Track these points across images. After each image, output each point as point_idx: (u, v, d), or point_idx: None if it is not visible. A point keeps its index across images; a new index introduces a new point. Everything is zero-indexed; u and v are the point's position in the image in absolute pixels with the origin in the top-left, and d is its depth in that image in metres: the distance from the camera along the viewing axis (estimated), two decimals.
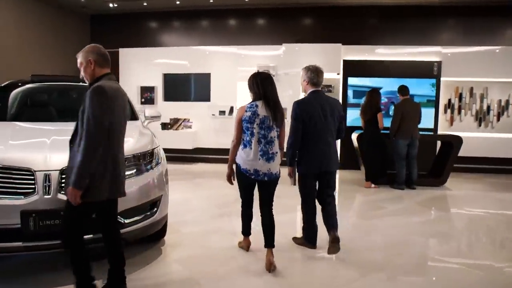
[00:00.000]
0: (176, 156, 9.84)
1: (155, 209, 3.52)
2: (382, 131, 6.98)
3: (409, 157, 6.87)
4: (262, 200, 3.60)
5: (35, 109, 4.54)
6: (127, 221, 3.25)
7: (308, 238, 4.00)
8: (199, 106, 9.77)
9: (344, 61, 8.96)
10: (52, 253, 3.21)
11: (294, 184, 3.98)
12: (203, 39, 9.87)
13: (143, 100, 10.02)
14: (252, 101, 3.48)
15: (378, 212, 5.57)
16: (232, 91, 9.42)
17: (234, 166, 3.62)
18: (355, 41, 9.01)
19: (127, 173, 3.28)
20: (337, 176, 8.24)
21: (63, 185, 2.99)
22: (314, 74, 3.86)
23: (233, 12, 9.81)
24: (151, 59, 9.91)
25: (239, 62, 9.50)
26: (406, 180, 6.93)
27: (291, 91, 9.18)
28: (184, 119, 9.75)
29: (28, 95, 4.71)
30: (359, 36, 9.13)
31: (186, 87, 10.25)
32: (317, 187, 4.02)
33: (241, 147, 3.48)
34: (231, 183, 3.69)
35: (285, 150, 3.77)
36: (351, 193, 6.81)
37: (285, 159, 3.84)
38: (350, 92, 8.93)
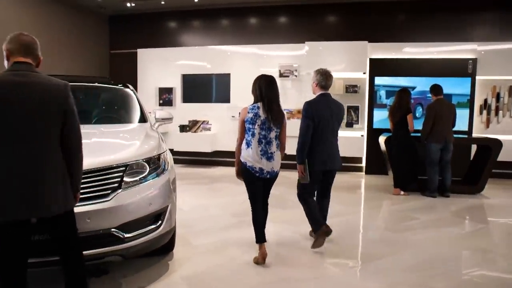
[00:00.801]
0: (194, 159, 9.56)
1: (160, 221, 3.18)
2: (412, 134, 6.48)
3: (442, 162, 6.33)
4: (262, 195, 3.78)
5: None
6: (127, 235, 2.91)
7: (317, 227, 4.00)
8: (219, 107, 9.45)
9: (371, 59, 8.46)
10: None
11: (308, 181, 4.04)
12: (222, 39, 9.53)
13: (161, 101, 9.78)
14: (254, 103, 3.63)
15: (409, 223, 5.07)
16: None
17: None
18: (382, 39, 8.49)
19: (128, 180, 2.96)
20: (362, 181, 7.87)
21: None
22: (323, 77, 4.09)
23: (254, 10, 9.44)
24: (169, 59, 9.66)
25: (260, 62, 9.14)
26: (438, 187, 6.39)
27: (311, 93, 8.73)
28: (203, 121, 9.46)
29: None
30: (386, 33, 8.60)
31: (205, 88, 9.96)
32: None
33: (244, 146, 3.63)
34: (241, 179, 3.77)
35: (285, 149, 3.86)
36: (378, 201, 6.31)
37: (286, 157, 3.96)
38: (379, 93, 8.42)
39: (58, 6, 8.71)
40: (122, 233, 2.88)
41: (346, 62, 8.46)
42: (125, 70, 10.12)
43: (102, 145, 3.18)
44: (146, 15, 9.98)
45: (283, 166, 4.02)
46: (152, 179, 3.18)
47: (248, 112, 3.59)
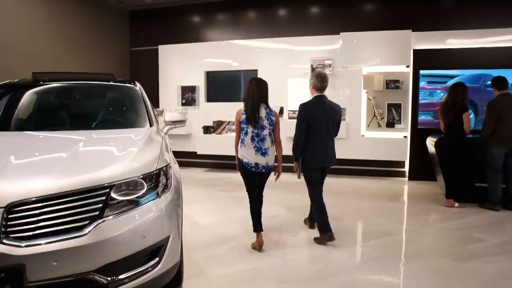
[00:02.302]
0: (218, 162, 8.87)
1: (158, 258, 2.44)
2: (468, 136, 5.52)
3: (507, 170, 5.34)
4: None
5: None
6: (112, 279, 2.20)
7: (324, 230, 4.14)
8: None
9: (415, 51, 7.49)
10: None
11: (299, 178, 4.40)
12: (249, 32, 8.78)
13: (183, 101, 9.14)
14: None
15: (472, 247, 4.13)
16: (282, 89, 8.27)
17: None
18: (428, 27, 7.50)
19: (114, 205, 2.26)
20: (405, 188, 6.92)
21: (11, 229, 2.02)
22: (318, 79, 4.26)
23: (283, 1, 8.63)
24: (192, 55, 9.00)
25: (290, 56, 8.33)
26: (502, 198, 5.41)
27: (349, 90, 7.86)
28: (229, 122, 8.73)
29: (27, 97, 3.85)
30: (433, 20, 7.58)
31: (231, 86, 9.25)
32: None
33: (239, 144, 3.98)
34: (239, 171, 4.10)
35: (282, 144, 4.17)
36: (427, 214, 5.39)
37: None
38: (423, 87, 7.45)
39: (76, 2, 8.20)
40: (104, 278, 2.17)
41: (387, 54, 7.53)
42: (146, 68, 9.56)
43: (80, 159, 2.48)
44: (168, 9, 9.36)
45: None
46: (149, 201, 2.45)
47: (242, 114, 3.95)
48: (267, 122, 3.91)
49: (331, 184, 7.35)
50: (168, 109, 9.15)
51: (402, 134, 7.60)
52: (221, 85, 9.24)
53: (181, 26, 9.35)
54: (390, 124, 7.73)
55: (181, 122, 3.99)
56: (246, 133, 3.91)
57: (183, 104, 9.12)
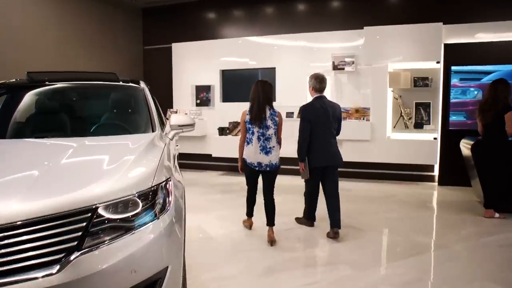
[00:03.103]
0: (235, 166, 8.40)
1: None
2: (510, 138, 4.96)
3: None
4: (265, 187, 4.26)
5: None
6: None
7: (308, 214, 4.61)
8: None
9: (446, 45, 6.91)
10: None
11: (308, 177, 4.42)
12: (266, 28, 8.33)
13: (198, 101, 8.75)
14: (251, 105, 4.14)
15: None
16: (302, 88, 7.78)
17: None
18: (461, 19, 6.90)
19: (98, 232, 1.86)
20: (435, 194, 6.38)
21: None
22: (316, 81, 4.38)
23: None
24: (207, 53, 8.60)
25: (309, 53, 7.85)
26: None
27: (373, 89, 7.34)
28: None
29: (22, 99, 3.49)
30: (466, 11, 6.98)
31: (248, 85, 8.74)
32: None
33: (245, 144, 4.16)
34: (242, 172, 4.36)
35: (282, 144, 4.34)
36: (462, 226, 4.83)
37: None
38: (454, 84, 6.86)
39: (88, 0, 7.90)
40: None
41: (415, 49, 6.97)
42: (159, 67, 9.22)
43: (58, 176, 2.07)
44: (182, 6, 8.99)
45: None
46: (143, 226, 2.03)
47: (247, 114, 4.14)
48: (271, 122, 4.11)
49: (355, 189, 6.87)
50: (182, 110, 8.81)
51: (431, 135, 7.03)
52: (237, 84, 8.82)
53: (196, 23, 8.96)
54: (418, 125, 7.17)
55: (189, 126, 3.56)
56: (252, 133, 4.11)
57: (197, 105, 8.74)
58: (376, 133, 7.24)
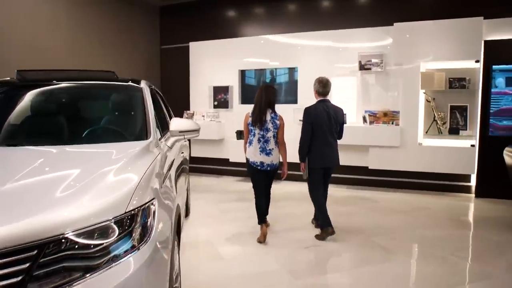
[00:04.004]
0: None
1: None
2: None
3: None
4: (264, 184, 4.48)
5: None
6: None
7: (324, 224, 4.41)
8: (284, 109, 7.66)
9: (487, 42, 6.24)
10: None
11: (307, 177, 4.54)
12: (288, 26, 7.83)
13: (215, 103, 8.33)
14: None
15: None
16: None
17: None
18: (503, 12, 6.22)
19: (51, 273, 1.44)
20: (471, 208, 5.73)
21: None
22: (320, 85, 4.53)
23: None
24: (225, 53, 8.19)
25: (334, 52, 7.32)
26: None
27: (403, 91, 6.75)
28: None
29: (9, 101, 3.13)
30: (510, 4, 6.29)
31: None
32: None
33: (247, 145, 4.41)
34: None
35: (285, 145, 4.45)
36: (508, 249, 4.20)
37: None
38: (499, 86, 6.20)
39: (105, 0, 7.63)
40: None
41: (451, 47, 6.34)
42: (177, 67, 8.86)
43: (13, 197, 1.66)
44: (200, 3, 8.61)
45: None
46: (115, 262, 1.60)
47: (250, 117, 4.33)
48: (272, 125, 4.28)
49: (383, 200, 6.29)
50: (199, 112, 8.42)
51: (468, 142, 6.37)
52: (257, 86, 8.38)
53: (214, 21, 8.56)
54: (454, 131, 6.51)
55: (192, 132, 3.13)
56: (254, 135, 4.33)
57: (215, 106, 8.33)
58: (406, 139, 6.63)
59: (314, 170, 4.49)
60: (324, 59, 7.35)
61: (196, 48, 8.47)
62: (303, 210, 5.46)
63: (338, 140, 4.63)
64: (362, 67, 6.99)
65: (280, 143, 4.36)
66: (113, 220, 1.67)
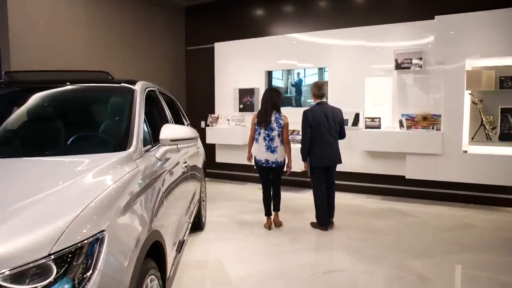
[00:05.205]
0: (285, 178, 7.44)
1: None
2: None
3: None
4: (273, 180, 4.92)
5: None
6: None
7: (320, 222, 4.83)
8: None
9: None
10: None
11: (310, 175, 4.84)
12: (318, 23, 7.28)
13: (241, 106, 7.90)
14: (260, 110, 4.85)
15: None
16: (358, 91, 6.68)
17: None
18: None
19: None
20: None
21: None
22: (315, 88, 4.87)
23: None
24: (251, 53, 7.76)
25: (367, 50, 6.70)
26: None
27: (446, 92, 6.03)
28: (293, 131, 7.30)
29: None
30: None
31: (296, 88, 7.86)
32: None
33: (254, 143, 4.83)
34: (249, 162, 5.12)
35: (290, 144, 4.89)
36: None
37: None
38: None
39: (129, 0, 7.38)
40: None
41: (502, 42, 5.57)
42: (202, 69, 8.53)
43: None
44: (226, 2, 8.22)
45: None
46: None
47: (256, 117, 4.80)
48: (276, 125, 4.69)
49: (421, 214, 5.59)
50: (223, 116, 8.03)
51: None
52: (284, 88, 7.89)
53: (240, 20, 8.15)
54: (505, 137, 5.72)
55: (187, 140, 2.69)
56: (259, 134, 4.74)
57: (240, 110, 7.91)
58: (449, 146, 5.91)
59: (315, 169, 4.77)
60: (356, 58, 6.75)
61: (221, 48, 8.09)
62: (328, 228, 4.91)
63: (343, 139, 4.94)
64: (398, 66, 6.33)
65: (285, 142, 4.76)
66: (50, 258, 1.27)
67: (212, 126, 8.06)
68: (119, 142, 2.34)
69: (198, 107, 8.68)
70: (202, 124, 8.40)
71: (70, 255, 1.36)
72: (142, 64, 7.75)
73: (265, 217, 4.96)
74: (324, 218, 4.81)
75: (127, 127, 2.44)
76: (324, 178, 4.84)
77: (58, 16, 6.04)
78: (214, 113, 8.23)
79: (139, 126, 2.49)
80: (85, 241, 1.41)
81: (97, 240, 1.46)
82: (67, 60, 6.11)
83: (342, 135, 4.93)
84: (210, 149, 8.12)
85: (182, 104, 8.77)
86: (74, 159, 2.08)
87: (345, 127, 6.68)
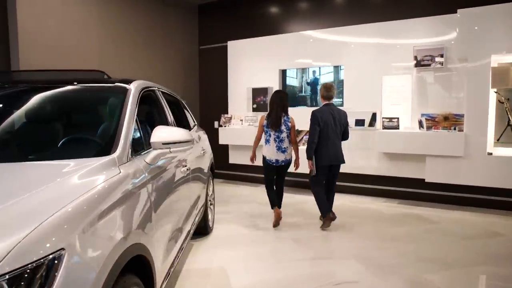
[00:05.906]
0: (294, 180, 7.23)
1: None
2: None
3: None
4: (278, 178, 5.17)
5: None
6: None
7: (324, 213, 4.91)
8: None
9: None
10: None
11: (314, 173, 4.91)
12: (333, 20, 7.02)
13: (254, 106, 7.70)
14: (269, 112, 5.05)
15: None
16: (375, 90, 6.39)
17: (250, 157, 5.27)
18: None
19: None
20: None
21: None
22: (324, 90, 5.03)
23: None
24: (265, 51, 7.55)
25: (385, 47, 6.40)
26: None
27: (469, 90, 5.68)
28: (307, 132, 7.05)
29: None
30: None
31: (312, 87, 7.61)
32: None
33: (264, 144, 5.07)
34: (252, 162, 5.26)
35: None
36: None
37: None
38: None
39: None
40: None
41: None
42: (215, 68, 8.37)
43: None
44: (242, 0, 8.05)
45: None
46: None
47: (265, 119, 5.01)
48: (284, 126, 4.91)
49: (444, 220, 5.24)
50: (237, 116, 7.84)
51: None
52: (299, 87, 7.65)
53: (254, 18, 7.94)
54: None
55: (181, 144, 2.51)
56: (269, 135, 4.95)
57: (254, 110, 7.71)
58: (472, 148, 5.57)
59: (320, 167, 4.89)
60: (373, 55, 6.46)
61: (234, 47, 7.91)
62: (340, 234, 4.67)
63: (346, 140, 5.08)
64: (418, 64, 6.02)
65: (293, 142, 5.00)
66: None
67: (225, 126, 7.89)
68: (104, 146, 2.17)
69: (211, 107, 8.53)
70: (215, 124, 8.25)
71: (19, 278, 1.19)
72: (155, 64, 7.64)
73: (272, 212, 5.03)
74: (326, 207, 4.93)
75: (115, 129, 2.27)
76: (325, 176, 4.97)
77: (70, 16, 5.97)
78: (227, 113, 8.06)
79: (129, 129, 2.32)
80: (40, 261, 1.24)
81: (53, 260, 1.29)
82: (78, 61, 6.04)
83: (345, 137, 5.06)
84: (223, 150, 7.95)
85: (195, 104, 8.64)
86: (50, 164, 1.93)
87: (361, 127, 6.50)
